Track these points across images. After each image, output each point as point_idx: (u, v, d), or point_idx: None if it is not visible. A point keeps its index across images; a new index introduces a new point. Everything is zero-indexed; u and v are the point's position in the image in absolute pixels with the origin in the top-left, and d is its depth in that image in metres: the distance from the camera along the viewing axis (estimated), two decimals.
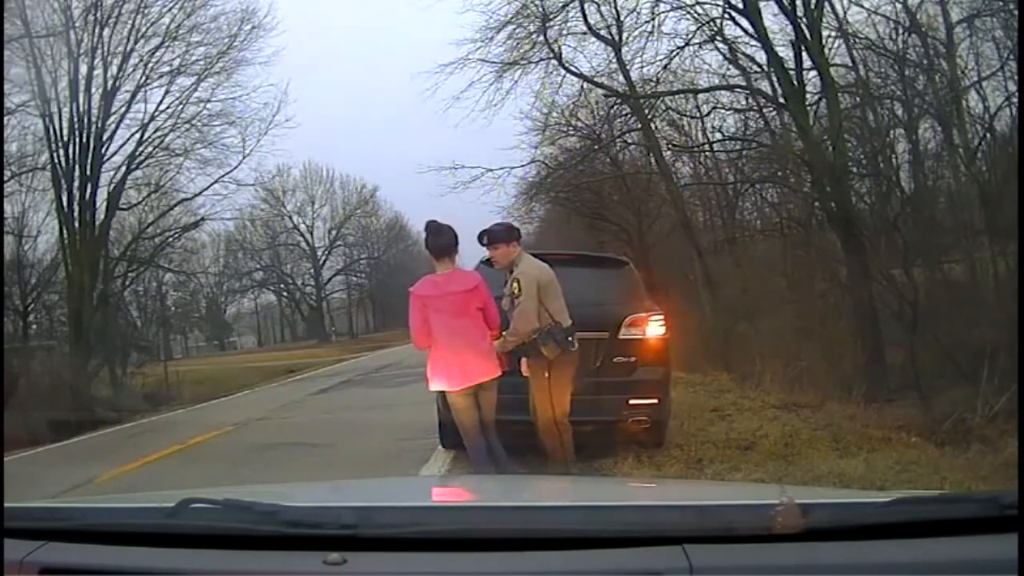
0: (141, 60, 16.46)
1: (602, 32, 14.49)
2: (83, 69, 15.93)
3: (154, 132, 17.00)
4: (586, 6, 14.06)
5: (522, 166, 16.80)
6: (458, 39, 14.70)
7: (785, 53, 12.76)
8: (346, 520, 1.30)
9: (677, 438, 6.30)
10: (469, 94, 14.66)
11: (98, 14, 15.87)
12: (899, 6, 13.49)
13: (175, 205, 19.21)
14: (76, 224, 16.00)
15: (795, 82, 12.44)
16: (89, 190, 16.20)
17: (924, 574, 1.17)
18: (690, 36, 13.88)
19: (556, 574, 1.23)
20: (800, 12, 12.08)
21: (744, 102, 15.61)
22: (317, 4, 62.14)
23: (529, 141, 17.34)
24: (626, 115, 16.27)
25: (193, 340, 48.50)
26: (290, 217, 48.37)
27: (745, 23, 12.87)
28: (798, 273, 15.28)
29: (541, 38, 14.29)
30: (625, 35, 14.37)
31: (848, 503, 1.59)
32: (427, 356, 4.58)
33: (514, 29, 14.28)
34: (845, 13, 13.57)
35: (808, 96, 12.71)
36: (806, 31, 12.07)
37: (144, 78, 16.58)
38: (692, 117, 16.97)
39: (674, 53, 14.07)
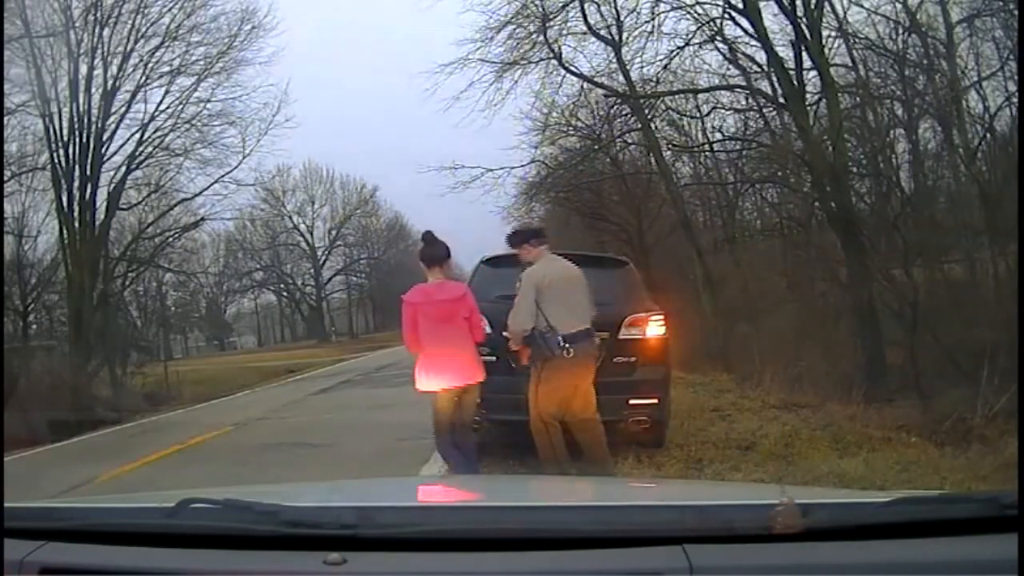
0: (141, 60, 16.49)
1: (602, 32, 14.49)
2: (83, 69, 15.97)
3: (154, 132, 17.04)
4: (586, 6, 14.06)
5: (522, 166, 16.82)
6: (458, 39, 14.73)
7: (785, 53, 12.78)
8: (346, 520, 1.30)
9: (677, 438, 6.30)
10: (469, 94, 14.66)
11: (98, 14, 15.89)
12: (899, 6, 13.50)
13: (175, 205, 19.24)
14: (76, 224, 16.01)
15: (795, 82, 12.44)
16: (89, 190, 16.22)
17: (924, 574, 1.17)
18: (690, 36, 13.90)
19: (556, 574, 1.23)
20: (800, 12, 12.08)
21: (744, 102, 15.61)
22: (317, 4, 62.21)
23: (529, 141, 17.35)
24: (626, 115, 16.27)
25: (193, 340, 48.54)
26: (290, 217, 48.43)
27: (745, 23, 12.88)
28: (798, 273, 15.28)
29: (541, 38, 14.29)
30: (625, 35, 14.38)
31: (848, 503, 1.59)
32: (416, 358, 4.84)
33: (514, 29, 14.29)
34: (845, 13, 13.58)
35: (808, 96, 12.71)
36: (806, 31, 12.07)
37: (144, 78, 16.62)
38: (692, 117, 16.97)
39: (674, 53, 14.09)
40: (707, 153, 17.61)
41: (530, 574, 1.23)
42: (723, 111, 15.96)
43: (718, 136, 16.48)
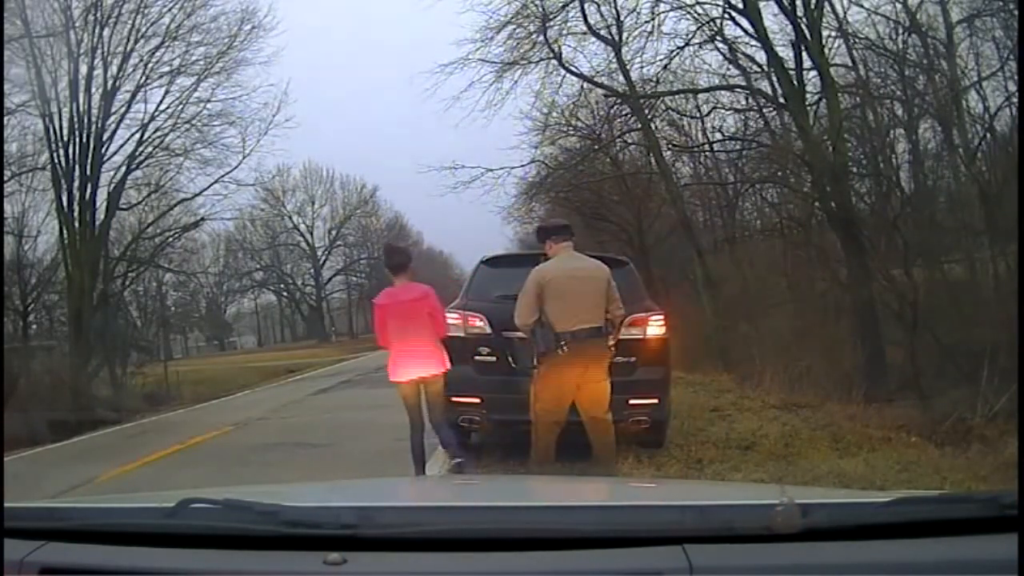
0: (141, 60, 16.49)
1: (602, 32, 14.48)
2: (83, 69, 15.98)
3: (154, 132, 17.04)
4: (586, 6, 14.06)
5: (522, 166, 16.82)
6: (458, 39, 14.74)
7: (785, 53, 12.78)
8: (346, 520, 1.30)
9: (677, 438, 6.30)
10: (469, 94, 14.68)
11: (98, 14, 15.89)
12: (899, 6, 13.51)
13: (175, 205, 19.23)
14: (76, 224, 16.01)
15: (795, 82, 12.44)
16: (89, 190, 16.22)
17: (924, 574, 1.17)
18: (690, 36, 13.89)
19: (556, 574, 1.23)
20: (800, 12, 12.08)
21: (744, 102, 15.62)
22: (317, 4, 62.27)
23: (529, 141, 17.37)
24: (626, 115, 16.26)
25: (193, 340, 48.54)
26: (290, 217, 48.41)
27: (745, 23, 12.88)
28: (798, 273, 15.28)
29: (541, 38, 14.29)
30: (625, 35, 14.37)
31: (848, 503, 1.59)
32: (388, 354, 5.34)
33: (514, 29, 14.29)
34: (845, 13, 13.59)
35: (808, 96, 12.71)
36: (806, 31, 12.07)
37: (144, 78, 16.62)
38: (692, 117, 16.98)
39: (674, 53, 14.08)
40: (707, 153, 17.62)
41: (530, 574, 1.23)
42: (723, 111, 15.98)
43: (718, 136, 16.49)
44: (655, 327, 5.78)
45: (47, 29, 15.56)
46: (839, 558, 1.21)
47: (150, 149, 17.17)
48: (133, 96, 16.61)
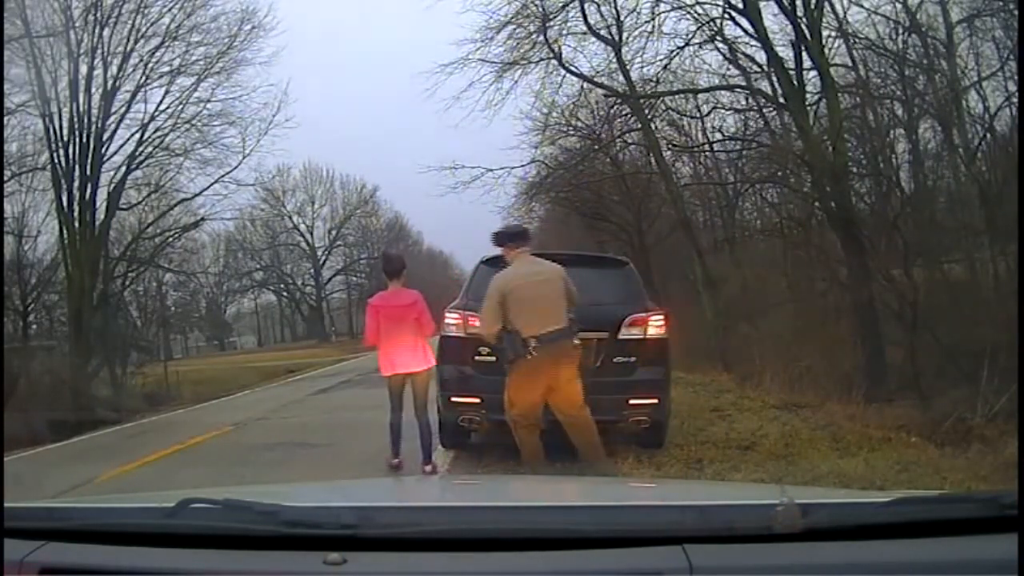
0: (141, 60, 16.50)
1: (602, 32, 14.49)
2: (83, 69, 15.98)
3: (154, 132, 17.05)
4: (586, 6, 14.07)
5: (522, 166, 16.85)
6: (458, 39, 14.75)
7: (785, 53, 12.78)
8: (346, 520, 1.30)
9: (677, 438, 6.30)
10: (469, 94, 14.70)
11: (98, 14, 15.89)
12: (899, 6, 13.50)
13: (175, 205, 19.23)
14: (76, 224, 16.01)
15: (795, 82, 12.44)
16: (89, 190, 16.22)
17: (924, 574, 1.17)
18: (690, 36, 13.90)
19: (556, 574, 1.23)
20: (800, 12, 12.08)
21: (744, 102, 15.62)
22: (317, 4, 62.19)
23: (529, 141, 17.39)
24: (626, 115, 16.27)
25: (193, 340, 48.52)
26: (290, 217, 48.39)
27: (745, 23, 12.88)
28: (798, 273, 15.28)
29: (541, 38, 14.29)
30: (625, 35, 14.38)
31: (848, 503, 1.59)
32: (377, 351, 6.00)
33: (514, 29, 14.30)
34: (845, 13, 13.58)
35: (808, 96, 12.71)
36: (806, 31, 12.06)
37: (144, 78, 16.63)
38: (692, 117, 16.99)
39: (674, 53, 14.09)
40: (707, 153, 17.62)
41: (530, 574, 1.23)
42: (723, 111, 15.99)
43: (718, 136, 16.50)
44: (655, 327, 5.78)
45: (47, 29, 15.58)
46: (839, 558, 1.21)
47: (150, 149, 17.19)
48: (133, 96, 16.64)
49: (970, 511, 1.31)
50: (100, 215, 16.55)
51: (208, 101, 17.39)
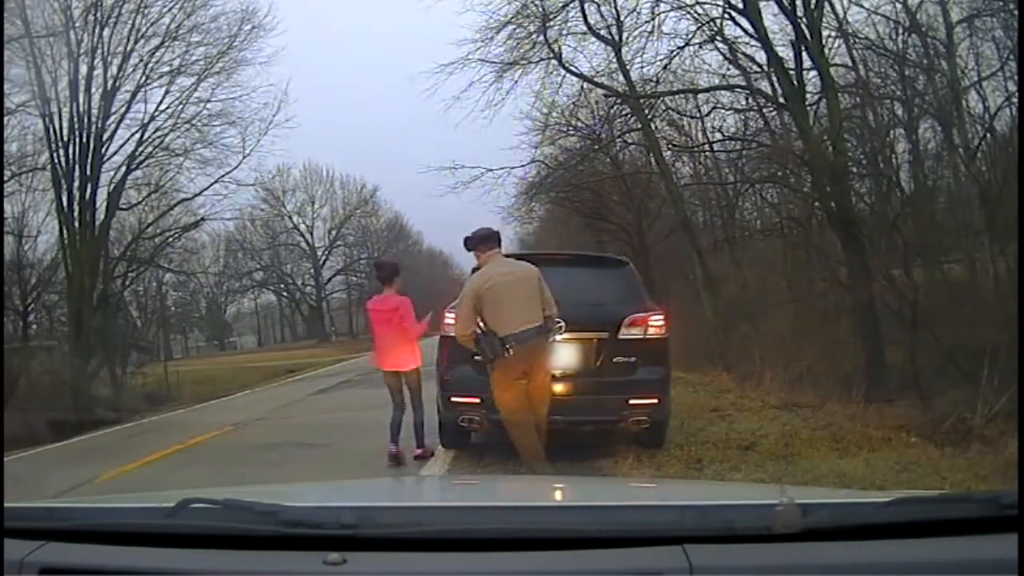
0: (141, 60, 16.48)
1: (602, 32, 14.49)
2: (83, 69, 15.96)
3: (154, 132, 17.03)
4: (586, 6, 14.07)
5: (522, 166, 16.85)
6: (458, 39, 14.75)
7: (785, 53, 12.77)
8: (346, 520, 1.30)
9: (677, 438, 6.30)
10: (469, 94, 14.70)
11: (98, 14, 15.88)
12: (899, 6, 13.50)
13: (175, 205, 19.22)
14: (76, 224, 16.00)
15: (795, 82, 12.44)
16: (89, 190, 16.20)
17: (924, 574, 1.17)
18: (690, 36, 13.89)
19: (556, 574, 1.23)
20: (800, 12, 12.07)
21: (744, 102, 15.61)
22: (317, 4, 62.23)
23: (529, 141, 17.39)
24: (626, 115, 16.27)
25: (193, 340, 48.52)
26: (290, 217, 48.34)
27: (745, 23, 12.88)
28: (798, 273, 15.28)
29: (541, 38, 14.29)
30: (625, 35, 14.38)
31: (848, 503, 1.59)
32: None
33: (514, 29, 14.30)
34: (845, 13, 13.59)
35: (808, 96, 12.70)
36: (806, 31, 12.06)
37: (144, 78, 16.61)
38: (692, 117, 16.98)
39: (674, 53, 14.08)
40: (707, 153, 17.61)
41: (530, 574, 1.23)
42: (723, 111, 15.97)
43: (718, 136, 16.48)
44: (655, 327, 5.78)
45: (47, 29, 15.56)
46: (839, 558, 1.21)
47: (150, 149, 17.16)
48: (133, 96, 16.62)
49: (970, 511, 1.31)
50: (100, 215, 16.54)
51: (208, 101, 17.42)
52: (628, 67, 14.48)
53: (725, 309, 14.79)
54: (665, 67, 14.48)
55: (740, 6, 12.64)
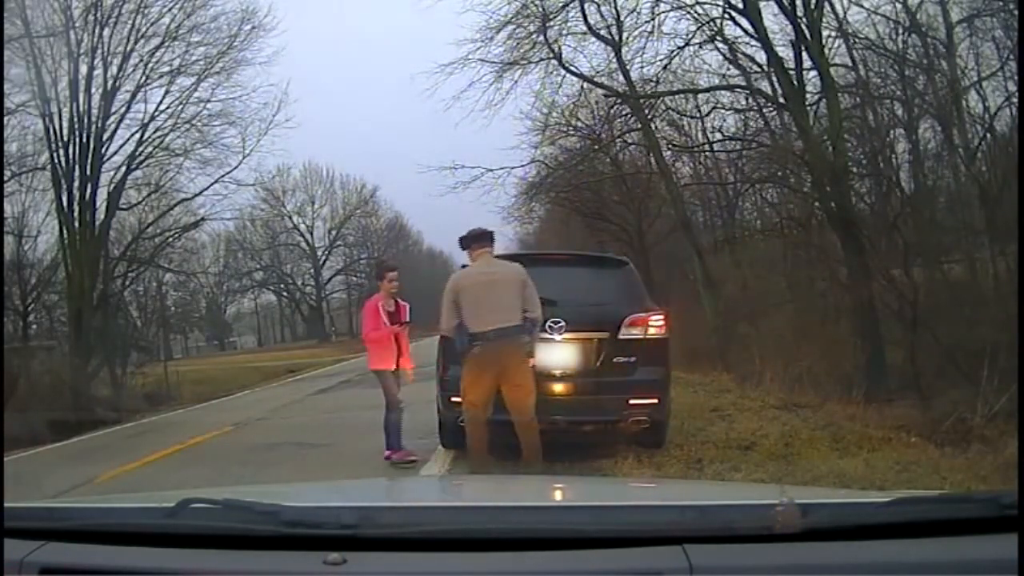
0: (141, 60, 16.47)
1: (602, 32, 14.49)
2: (83, 69, 15.95)
3: (154, 132, 17.02)
4: (586, 6, 14.08)
5: (522, 166, 16.85)
6: (458, 39, 14.77)
7: (785, 53, 12.78)
8: (346, 520, 1.30)
9: (677, 438, 6.30)
10: (469, 94, 14.71)
11: (98, 14, 15.87)
12: (899, 6, 13.51)
13: (175, 205, 19.22)
14: (76, 224, 15.99)
15: (795, 82, 12.44)
16: (89, 190, 16.20)
17: (924, 574, 1.17)
18: (690, 36, 13.90)
19: (556, 574, 1.23)
20: (800, 12, 12.08)
21: (744, 102, 15.62)
22: (317, 4, 62.21)
23: (529, 141, 17.39)
24: (626, 115, 16.27)
25: (193, 340, 48.53)
26: (290, 217, 48.42)
27: (745, 23, 12.88)
28: (798, 273, 15.28)
29: (541, 38, 14.30)
30: (625, 35, 14.39)
31: (848, 503, 1.59)
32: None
33: (514, 29, 14.31)
34: (845, 13, 13.59)
35: (808, 96, 12.71)
36: (806, 31, 12.07)
37: (144, 78, 16.60)
38: (692, 117, 16.99)
39: (674, 53, 14.09)
40: (707, 153, 17.62)
41: (530, 574, 1.23)
42: (723, 111, 15.99)
43: (718, 136, 16.50)
44: (655, 327, 5.78)
45: (47, 29, 15.56)
46: (839, 558, 1.21)
47: (150, 149, 17.15)
48: (133, 96, 16.61)
49: (970, 511, 1.31)
50: (100, 215, 16.53)
51: (208, 101, 17.40)
52: (628, 67, 14.50)
53: (725, 309, 14.79)
54: (665, 67, 14.52)
55: (740, 6, 12.65)
